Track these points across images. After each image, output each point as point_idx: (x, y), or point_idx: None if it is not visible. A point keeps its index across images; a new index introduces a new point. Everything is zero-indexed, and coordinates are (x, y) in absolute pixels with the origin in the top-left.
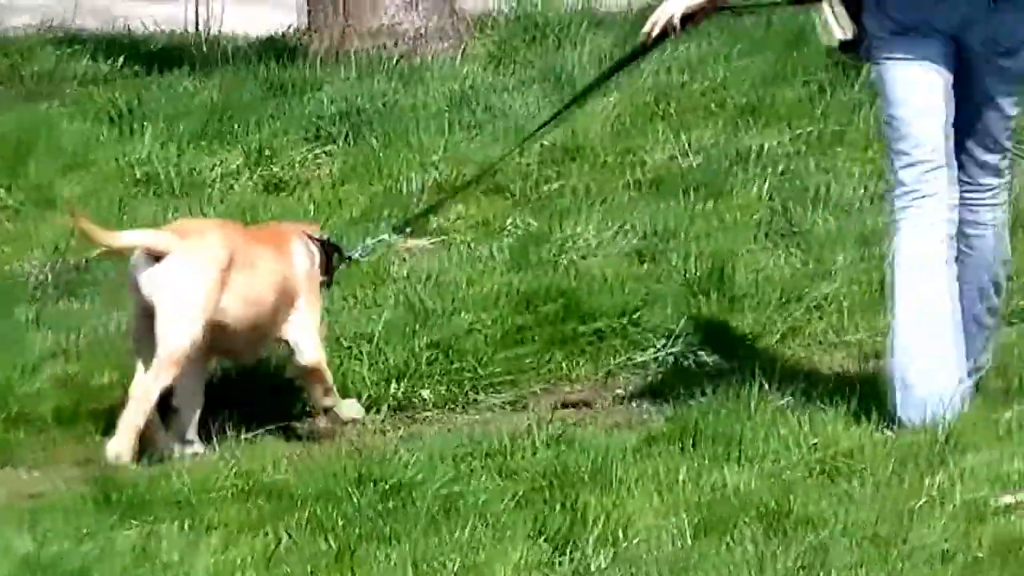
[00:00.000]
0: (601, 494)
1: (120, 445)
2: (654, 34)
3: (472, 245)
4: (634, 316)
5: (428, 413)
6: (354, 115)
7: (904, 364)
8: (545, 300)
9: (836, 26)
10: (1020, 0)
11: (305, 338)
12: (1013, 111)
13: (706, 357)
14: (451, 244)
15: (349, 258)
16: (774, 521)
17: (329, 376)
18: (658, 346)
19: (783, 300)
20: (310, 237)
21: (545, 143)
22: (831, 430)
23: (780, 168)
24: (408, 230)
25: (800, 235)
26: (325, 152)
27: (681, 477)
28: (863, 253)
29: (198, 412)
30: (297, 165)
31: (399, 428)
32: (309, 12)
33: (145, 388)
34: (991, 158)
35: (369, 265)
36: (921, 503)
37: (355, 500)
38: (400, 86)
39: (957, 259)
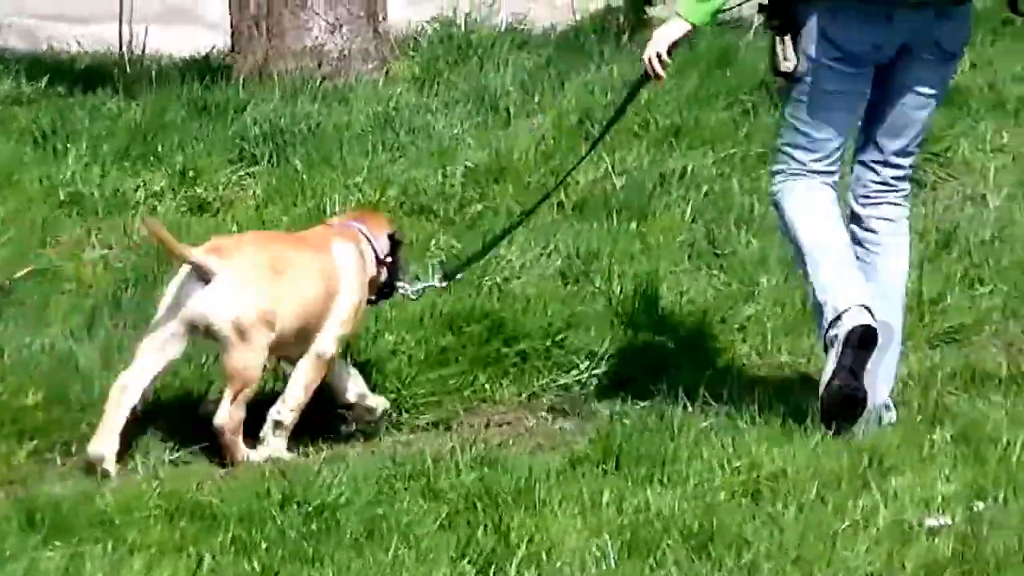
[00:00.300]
0: (525, 516)
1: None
2: (656, 65)
3: None
4: (559, 337)
5: (351, 434)
6: (278, 136)
7: (829, 290)
8: (470, 321)
9: (782, 57)
10: (957, 12)
11: (327, 329)
12: (931, 115)
13: (630, 378)
14: None
15: (402, 292)
16: (699, 543)
17: (317, 380)
18: (582, 367)
19: (708, 322)
20: (360, 226)
21: (470, 164)
22: (756, 452)
23: (705, 190)
24: (459, 276)
25: (725, 257)
26: (249, 173)
27: (605, 499)
28: (787, 275)
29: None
30: (221, 186)
31: (323, 449)
32: (234, 33)
33: (228, 416)
34: (906, 160)
35: None
36: (846, 526)
37: (279, 521)
38: (324, 107)
39: (868, 262)
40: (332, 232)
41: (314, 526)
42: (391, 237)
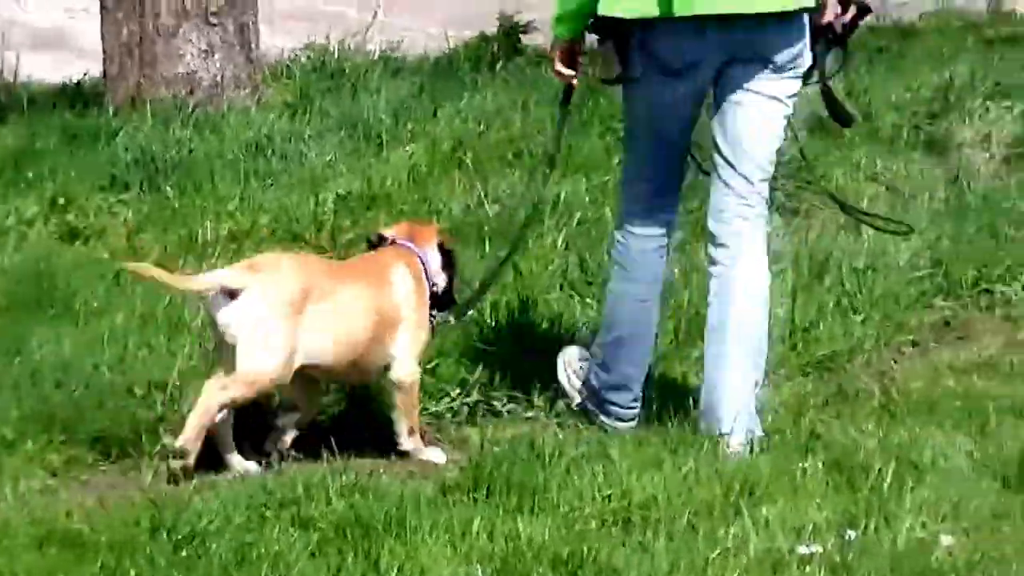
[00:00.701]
0: (396, 544)
1: (185, 439)
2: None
3: None
4: (429, 365)
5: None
6: (150, 163)
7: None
8: None
9: (605, 64)
10: (779, 25)
11: (402, 355)
12: (779, 129)
13: (501, 407)
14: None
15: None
16: (569, 572)
17: (415, 401)
18: (453, 395)
19: None
20: (412, 246)
21: (341, 192)
22: (627, 480)
23: (578, 217)
24: (470, 312)
25: (597, 285)
26: (121, 200)
27: (476, 527)
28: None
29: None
30: (93, 213)
31: (194, 477)
32: (107, 60)
33: (207, 396)
34: (756, 175)
35: (164, 313)
36: (717, 554)
37: (149, 549)
38: (197, 134)
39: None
40: (388, 259)
41: (184, 553)
42: (441, 247)
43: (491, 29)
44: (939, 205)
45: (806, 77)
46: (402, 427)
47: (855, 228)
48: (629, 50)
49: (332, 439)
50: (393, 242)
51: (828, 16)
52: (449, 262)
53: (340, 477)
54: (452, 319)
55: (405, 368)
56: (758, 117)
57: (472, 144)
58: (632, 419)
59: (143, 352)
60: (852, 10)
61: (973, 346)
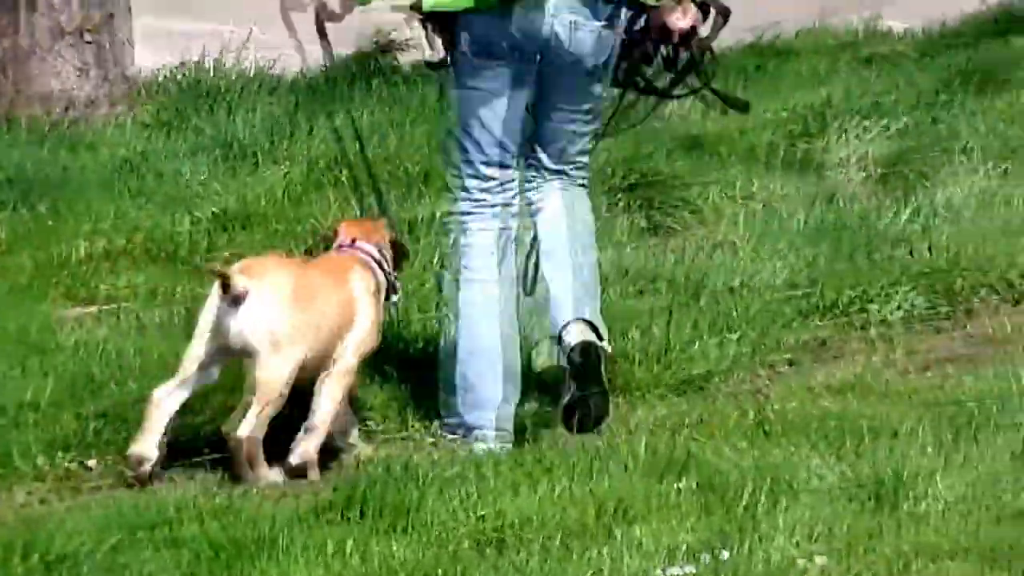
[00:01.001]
0: (269, 564)
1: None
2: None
3: (141, 313)
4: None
5: (95, 483)
6: (23, 181)
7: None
8: None
9: (428, 46)
10: (592, 24)
11: (347, 354)
12: (587, 127)
13: (374, 426)
14: (120, 312)
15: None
16: None
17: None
18: None
19: None
20: (372, 250)
21: (215, 210)
22: (501, 500)
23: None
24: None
25: None
26: None
27: (349, 547)
28: None
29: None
30: None
31: (65, 498)
32: None
33: (251, 429)
34: (573, 158)
35: (36, 332)
36: (590, 574)
37: (19, 571)
38: (71, 152)
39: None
40: (348, 260)
41: (56, 575)
42: (393, 244)
43: (367, 46)
44: (814, 224)
45: (674, 84)
46: (320, 413)
47: (730, 247)
48: (451, 33)
49: (207, 455)
50: (353, 243)
51: (687, 21)
52: (399, 256)
53: (213, 497)
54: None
55: (347, 360)
56: (564, 118)
57: (346, 162)
58: (501, 438)
59: (14, 372)
60: (693, 11)
61: (848, 365)
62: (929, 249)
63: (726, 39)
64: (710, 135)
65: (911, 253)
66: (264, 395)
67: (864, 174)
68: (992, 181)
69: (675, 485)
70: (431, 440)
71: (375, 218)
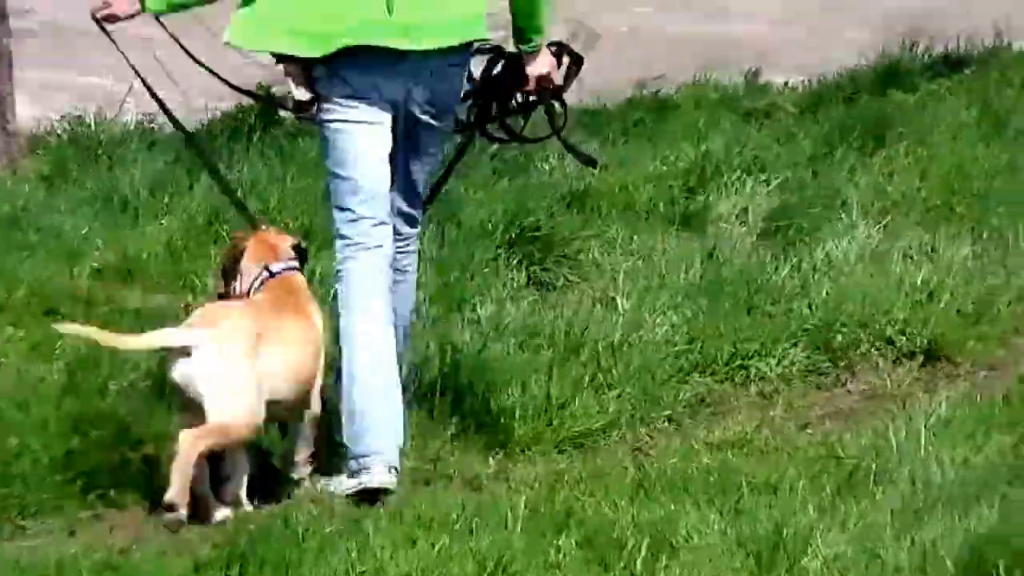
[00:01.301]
0: None
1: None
2: None
3: (22, 368)
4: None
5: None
6: None
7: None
8: (96, 425)
9: (294, 87)
10: (450, 72)
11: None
12: (433, 168)
13: (255, 483)
14: (1, 366)
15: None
16: None
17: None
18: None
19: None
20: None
21: (97, 264)
22: (381, 556)
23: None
24: None
25: None
26: None
27: None
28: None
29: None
30: None
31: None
32: None
33: (185, 449)
34: (413, 210)
35: None
36: None
37: None
38: None
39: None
40: (297, 286)
41: None
42: (296, 247)
43: (249, 101)
44: (695, 280)
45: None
46: (303, 455)
47: (610, 302)
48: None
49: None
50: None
51: (542, 68)
52: (303, 259)
53: (93, 555)
54: None
55: (315, 404)
56: (424, 166)
57: (228, 216)
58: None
59: None
60: (566, 61)
61: (728, 422)
62: (809, 305)
63: (608, 91)
64: (591, 190)
65: (791, 309)
66: (216, 432)
67: (745, 229)
68: (872, 236)
69: (555, 542)
70: (311, 498)
71: (263, 227)
